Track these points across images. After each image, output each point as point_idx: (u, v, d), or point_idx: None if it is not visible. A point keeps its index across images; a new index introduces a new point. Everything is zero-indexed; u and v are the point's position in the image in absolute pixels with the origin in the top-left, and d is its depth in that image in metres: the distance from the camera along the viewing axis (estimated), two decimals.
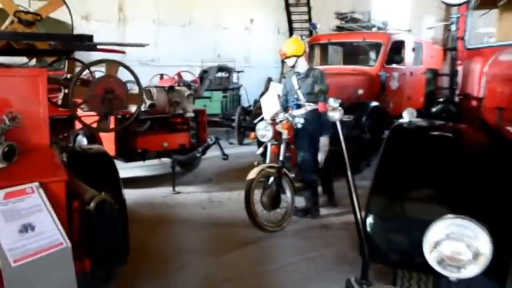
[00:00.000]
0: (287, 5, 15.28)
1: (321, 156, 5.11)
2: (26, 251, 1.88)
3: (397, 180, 2.33)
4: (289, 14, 15.33)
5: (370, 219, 2.15)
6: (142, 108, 5.89)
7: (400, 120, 2.88)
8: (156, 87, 6.86)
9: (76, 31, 3.91)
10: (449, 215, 1.70)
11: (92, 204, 2.36)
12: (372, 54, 8.98)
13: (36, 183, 2.11)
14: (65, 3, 3.23)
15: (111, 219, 2.41)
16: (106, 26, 12.25)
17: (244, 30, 15.69)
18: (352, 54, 9.43)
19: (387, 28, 9.36)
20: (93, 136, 5.87)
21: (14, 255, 1.84)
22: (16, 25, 2.87)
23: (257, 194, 4.73)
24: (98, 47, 2.98)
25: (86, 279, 2.41)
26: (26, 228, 1.94)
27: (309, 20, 14.38)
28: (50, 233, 2.00)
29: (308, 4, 15.14)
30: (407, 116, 2.86)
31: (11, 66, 2.99)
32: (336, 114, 2.56)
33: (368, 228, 2.13)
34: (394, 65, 8.67)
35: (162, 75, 10.40)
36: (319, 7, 15.09)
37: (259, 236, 4.67)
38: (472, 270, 1.67)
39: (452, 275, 1.68)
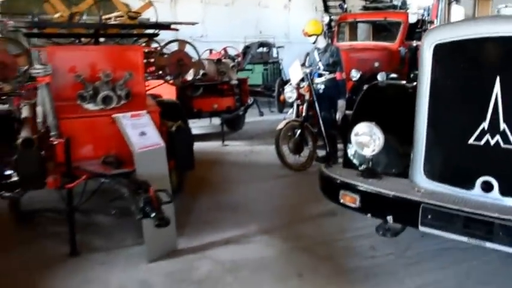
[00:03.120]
0: None
1: (338, 115, 6.46)
2: (143, 145, 3.42)
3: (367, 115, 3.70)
4: None
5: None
6: (197, 76, 7.39)
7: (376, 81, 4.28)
8: (207, 59, 8.37)
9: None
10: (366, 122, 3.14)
11: (173, 128, 3.90)
12: (394, 32, 10.09)
13: (145, 111, 3.64)
14: (153, 4, 4.78)
15: (185, 137, 3.94)
16: (159, 6, 13.70)
17: (283, 8, 16.85)
18: (378, 31, 10.54)
19: (407, 7, 10.40)
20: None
21: (138, 146, 3.39)
22: (125, 19, 4.43)
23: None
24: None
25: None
26: (142, 133, 3.48)
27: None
28: (154, 138, 3.53)
29: None
30: (381, 78, 4.27)
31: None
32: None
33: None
34: (414, 42, 9.78)
35: (211, 50, 11.89)
36: None
37: (287, 173, 6.12)
38: (371, 151, 3.13)
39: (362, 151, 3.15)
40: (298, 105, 6.40)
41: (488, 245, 2.50)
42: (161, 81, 4.80)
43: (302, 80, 6.39)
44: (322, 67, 6.48)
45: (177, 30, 5.15)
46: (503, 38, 2.71)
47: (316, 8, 17.22)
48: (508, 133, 2.66)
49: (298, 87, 6.36)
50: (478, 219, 2.51)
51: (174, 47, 4.58)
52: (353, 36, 10.65)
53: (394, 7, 11.03)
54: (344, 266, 3.55)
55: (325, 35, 12.44)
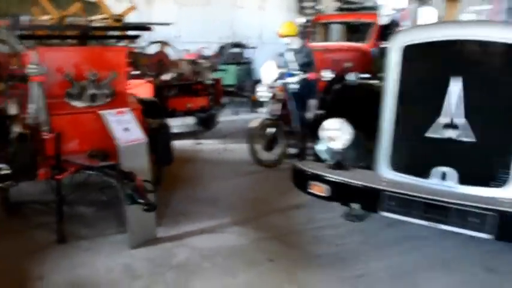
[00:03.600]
0: None
1: (310, 114, 6.81)
2: (127, 139, 3.69)
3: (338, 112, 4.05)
4: None
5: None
6: (171, 76, 7.65)
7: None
8: (182, 60, 8.63)
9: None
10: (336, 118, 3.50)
11: (154, 125, 4.18)
12: (367, 33, 10.46)
13: (128, 108, 3.91)
14: (136, 8, 5.06)
15: (165, 133, 4.23)
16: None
17: (258, 9, 17.15)
18: (351, 32, 10.91)
19: (380, 9, 10.78)
20: None
21: (122, 140, 3.66)
22: (110, 21, 4.69)
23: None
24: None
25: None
26: (126, 129, 3.75)
27: (316, 0, 15.83)
28: (137, 133, 3.81)
29: None
30: (351, 77, 4.64)
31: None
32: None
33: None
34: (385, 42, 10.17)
35: (187, 51, 12.11)
36: None
37: (259, 170, 6.42)
38: (340, 144, 3.50)
39: (330, 145, 3.52)
40: (271, 104, 6.72)
41: (443, 227, 2.89)
42: (139, 80, 5.09)
43: (275, 79, 6.73)
44: (295, 67, 6.83)
45: (150, 30, 5.42)
46: (465, 41, 3.11)
47: (291, 9, 17.56)
48: (465, 128, 3.04)
49: (271, 86, 6.69)
50: (434, 204, 2.90)
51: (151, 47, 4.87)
52: (327, 37, 10.99)
53: (367, 8, 11.40)
54: (313, 252, 3.88)
55: (300, 36, 12.85)
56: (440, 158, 3.14)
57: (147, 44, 4.74)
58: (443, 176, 3.10)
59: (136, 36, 4.90)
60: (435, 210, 2.87)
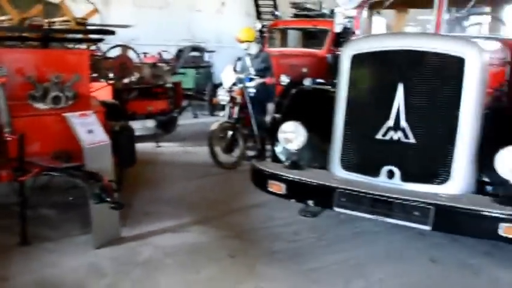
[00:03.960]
0: None
1: (268, 117, 7.04)
2: (91, 141, 3.79)
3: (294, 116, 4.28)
4: None
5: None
6: (133, 79, 7.72)
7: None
8: (143, 63, 8.69)
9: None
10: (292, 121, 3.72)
11: (117, 127, 4.29)
12: (322, 39, 10.80)
13: (92, 111, 4.01)
14: (98, 11, 5.14)
15: (127, 135, 4.34)
16: (91, 7, 13.82)
17: (216, 13, 17.31)
18: (307, 38, 11.21)
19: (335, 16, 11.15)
20: None
21: (87, 142, 3.76)
22: (73, 25, 4.75)
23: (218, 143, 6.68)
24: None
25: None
26: (90, 131, 3.84)
27: (274, 5, 16.10)
28: (100, 135, 3.90)
29: None
30: (307, 83, 4.88)
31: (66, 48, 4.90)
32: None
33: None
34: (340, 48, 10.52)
35: (145, 54, 12.14)
36: None
37: (219, 172, 6.59)
38: (295, 146, 3.74)
39: (286, 146, 3.77)
40: (230, 108, 6.90)
41: (389, 220, 3.16)
42: (100, 83, 5.17)
43: (234, 84, 6.91)
44: (253, 72, 7.04)
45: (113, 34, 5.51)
46: (406, 51, 3.38)
47: (248, 13, 17.78)
48: (407, 130, 3.33)
49: (230, 90, 6.87)
50: (380, 199, 3.16)
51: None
52: (284, 43, 11.23)
53: (323, 15, 11.75)
54: (271, 248, 4.08)
55: (258, 41, 13.09)
56: (387, 158, 3.40)
57: (108, 47, 4.80)
58: (390, 175, 3.36)
59: (99, 40, 4.99)
60: (381, 205, 3.13)
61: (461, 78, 3.20)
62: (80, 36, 4.94)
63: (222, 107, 7.15)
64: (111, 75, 4.92)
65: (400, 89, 3.29)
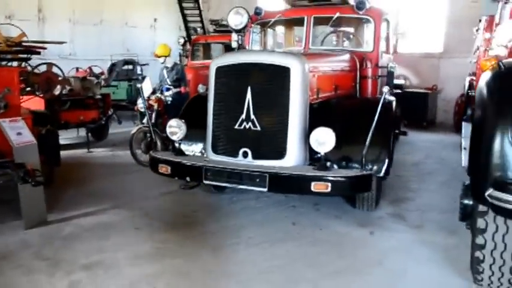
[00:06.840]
0: (181, 7, 17.90)
1: None
2: (20, 141, 4.76)
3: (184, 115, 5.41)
4: (183, 14, 18.00)
5: None
6: (64, 91, 8.65)
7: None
8: (73, 77, 9.64)
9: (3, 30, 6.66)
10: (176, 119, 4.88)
11: (43, 131, 5.28)
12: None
13: (20, 118, 4.99)
14: (26, 35, 6.09)
15: (52, 137, 5.34)
16: (27, 25, 14.31)
17: (149, 28, 18.27)
18: (228, 51, 12.43)
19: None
20: None
21: (16, 142, 4.72)
22: (3, 46, 5.69)
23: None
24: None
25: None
26: (19, 133, 4.81)
27: (201, 21, 17.31)
28: (28, 136, 4.87)
29: (198, 6, 17.87)
30: (201, 89, 6.02)
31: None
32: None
33: None
34: None
35: (77, 68, 12.99)
36: (216, 6, 18.12)
37: (140, 169, 7.58)
38: (177, 137, 4.90)
39: (172, 137, 4.91)
40: (148, 114, 7.95)
41: (240, 186, 4.34)
42: (31, 96, 6.13)
43: (153, 93, 7.99)
44: (169, 82, 8.16)
45: (45, 48, 6.44)
46: (253, 63, 4.59)
47: (180, 27, 18.74)
48: (255, 121, 4.50)
49: (148, 99, 7.93)
50: (234, 172, 4.31)
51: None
52: (207, 55, 12.44)
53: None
54: (171, 221, 5.18)
55: (181, 54, 14.23)
56: (242, 142, 4.54)
57: (36, 64, 5.77)
58: (245, 155, 4.53)
59: (28, 59, 5.92)
60: (234, 175, 4.29)
61: (288, 82, 4.43)
62: (9, 56, 5.84)
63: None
64: (38, 89, 5.84)
65: (249, 91, 4.47)
